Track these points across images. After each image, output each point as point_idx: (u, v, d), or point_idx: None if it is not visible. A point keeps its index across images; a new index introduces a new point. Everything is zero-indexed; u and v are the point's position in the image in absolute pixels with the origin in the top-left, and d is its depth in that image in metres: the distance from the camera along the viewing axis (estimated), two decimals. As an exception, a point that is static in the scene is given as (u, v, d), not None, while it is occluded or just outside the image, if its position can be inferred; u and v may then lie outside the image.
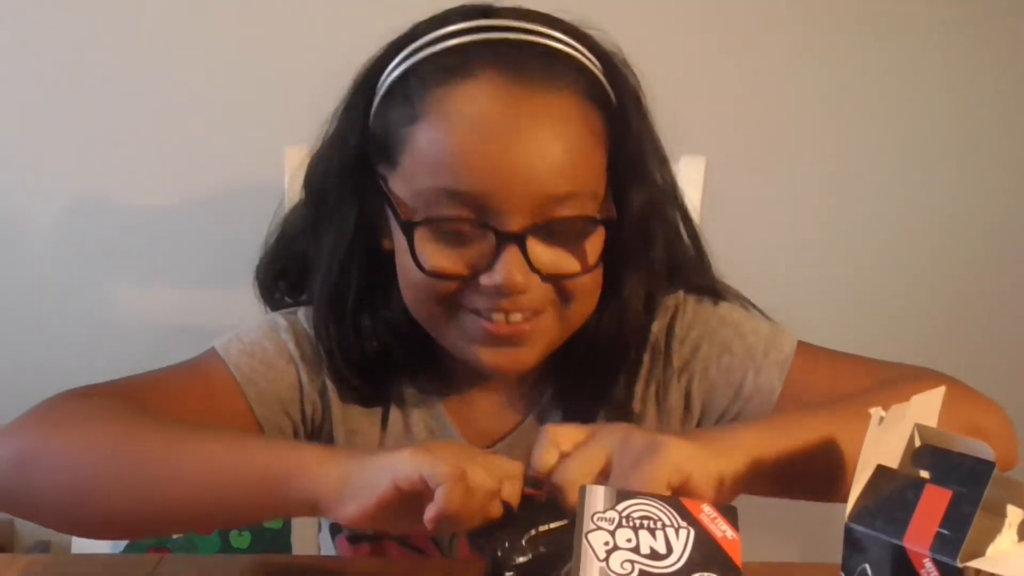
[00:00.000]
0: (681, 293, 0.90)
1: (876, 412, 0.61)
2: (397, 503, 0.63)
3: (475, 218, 0.74)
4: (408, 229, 0.75)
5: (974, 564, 0.56)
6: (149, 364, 1.60)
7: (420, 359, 0.86)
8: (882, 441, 0.62)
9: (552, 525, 0.64)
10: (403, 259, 0.78)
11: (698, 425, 0.90)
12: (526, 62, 0.76)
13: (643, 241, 0.83)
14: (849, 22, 1.68)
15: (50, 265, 1.67)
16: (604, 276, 0.81)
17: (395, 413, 0.88)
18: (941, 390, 0.64)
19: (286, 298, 0.91)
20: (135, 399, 0.77)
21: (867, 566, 0.60)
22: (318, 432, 0.88)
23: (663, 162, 0.86)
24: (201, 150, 1.64)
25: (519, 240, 0.73)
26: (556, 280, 0.76)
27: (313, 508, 0.66)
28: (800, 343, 0.88)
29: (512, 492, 0.65)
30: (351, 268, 0.83)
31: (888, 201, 1.74)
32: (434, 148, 0.75)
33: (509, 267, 0.73)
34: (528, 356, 0.79)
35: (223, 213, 1.64)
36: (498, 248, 0.74)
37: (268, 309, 0.92)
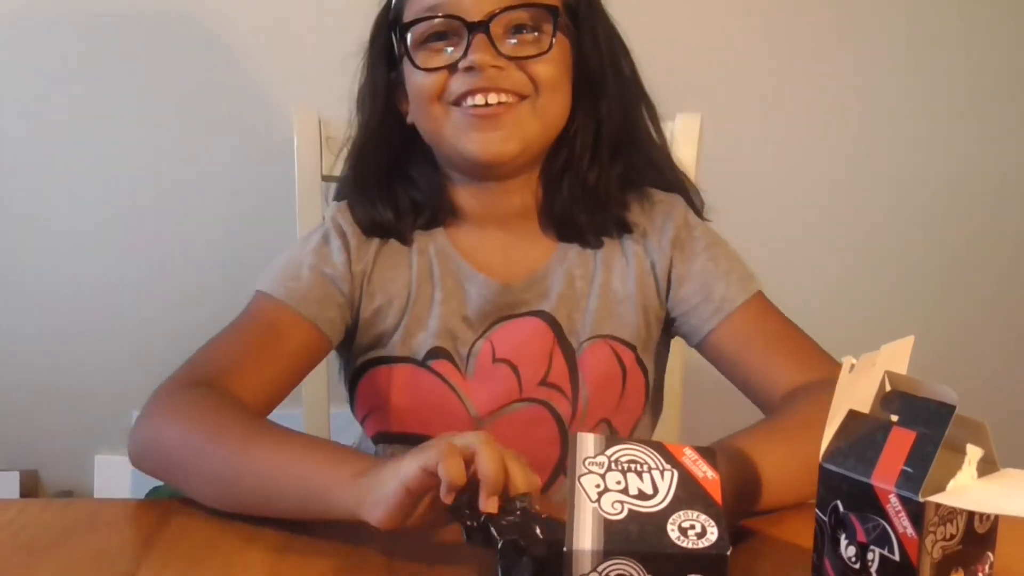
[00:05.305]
0: (684, 204, 1.06)
1: (847, 360, 0.65)
2: (411, 503, 0.71)
3: (448, 15, 0.93)
4: (403, 31, 0.96)
5: (935, 499, 0.60)
6: (170, 323, 1.62)
7: (440, 214, 1.04)
8: (854, 387, 0.67)
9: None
10: (410, 79, 0.98)
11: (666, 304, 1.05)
12: None
13: (596, 85, 0.99)
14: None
15: (69, 234, 1.71)
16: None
17: (420, 261, 1.03)
18: (910, 339, 0.69)
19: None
20: (225, 381, 0.90)
21: (839, 502, 0.65)
22: (359, 303, 1.03)
23: (625, 53, 1.03)
24: (211, 115, 1.67)
25: (484, 28, 0.93)
26: (521, 60, 0.94)
27: (352, 515, 0.74)
28: (763, 295, 1.01)
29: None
30: (384, 134, 1.02)
31: (884, 159, 1.76)
32: None
33: (478, 50, 0.93)
34: (509, 143, 0.96)
35: (235, 177, 1.68)
36: (469, 38, 0.93)
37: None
